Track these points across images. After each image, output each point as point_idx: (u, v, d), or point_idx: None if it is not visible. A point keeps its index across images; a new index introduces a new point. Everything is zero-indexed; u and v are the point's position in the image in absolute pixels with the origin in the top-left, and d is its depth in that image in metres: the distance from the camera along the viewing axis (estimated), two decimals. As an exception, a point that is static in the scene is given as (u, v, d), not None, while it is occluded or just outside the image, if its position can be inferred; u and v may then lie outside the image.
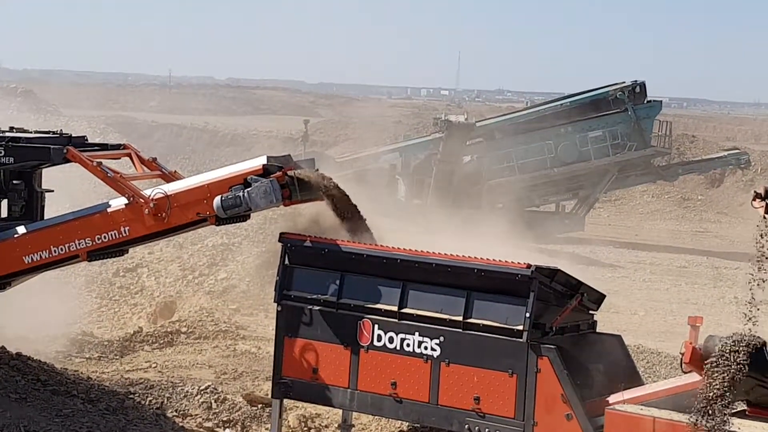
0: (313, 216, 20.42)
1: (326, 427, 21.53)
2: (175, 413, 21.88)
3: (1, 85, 69.05)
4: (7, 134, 20.94)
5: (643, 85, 51.17)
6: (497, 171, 49.42)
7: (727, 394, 12.67)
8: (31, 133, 21.39)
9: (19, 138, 20.81)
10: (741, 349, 12.51)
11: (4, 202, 21.46)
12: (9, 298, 22.57)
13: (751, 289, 21.20)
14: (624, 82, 51.29)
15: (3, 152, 20.40)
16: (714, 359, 12.55)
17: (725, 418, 13.13)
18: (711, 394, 12.76)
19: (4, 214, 21.41)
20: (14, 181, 21.38)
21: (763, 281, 20.60)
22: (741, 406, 13.90)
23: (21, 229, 20.64)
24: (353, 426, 20.33)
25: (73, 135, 21.19)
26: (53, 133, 21.30)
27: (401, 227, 23.18)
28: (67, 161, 20.43)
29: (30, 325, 26.15)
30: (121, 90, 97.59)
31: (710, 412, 12.89)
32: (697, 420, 13.12)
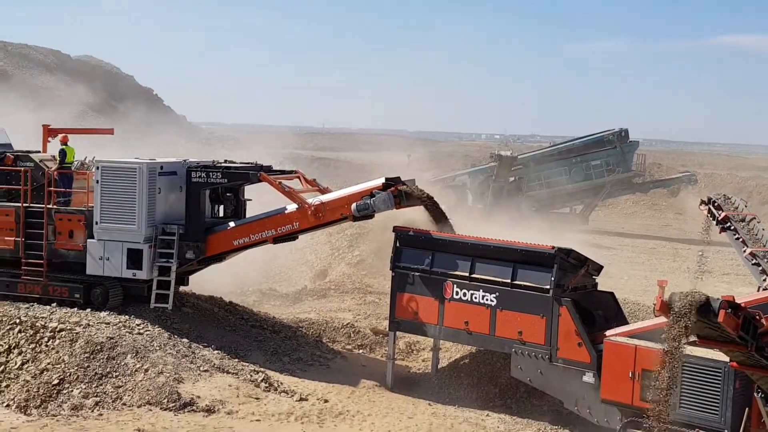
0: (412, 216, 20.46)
1: (423, 349, 21.43)
2: (327, 340, 21.99)
3: (222, 134, 70.19)
4: (223, 164, 21.20)
5: (626, 131, 50.37)
6: (532, 187, 48.86)
7: (684, 331, 12.41)
8: (237, 163, 21.63)
9: (230, 166, 21.07)
10: (692, 302, 12.24)
11: (221, 207, 21.77)
12: (225, 267, 22.90)
13: (698, 263, 20.75)
14: (614, 129, 50.55)
15: (220, 175, 20.67)
16: (676, 308, 12.30)
17: (682, 346, 12.88)
18: (674, 331, 12.50)
19: (221, 215, 21.71)
20: (227, 194, 21.66)
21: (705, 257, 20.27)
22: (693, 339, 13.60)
23: (231, 224, 20.90)
24: (440, 349, 20.25)
25: (263, 165, 21.42)
26: (251, 163, 21.51)
27: (470, 223, 23.05)
28: (260, 181, 20.67)
29: (237, 283, 26.45)
30: (291, 136, 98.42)
31: (673, 342, 12.64)
32: (664, 347, 12.87)
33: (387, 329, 20.21)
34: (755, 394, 14.55)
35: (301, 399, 17.61)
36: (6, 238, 21.02)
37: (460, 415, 17.58)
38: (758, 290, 17.90)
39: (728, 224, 20.15)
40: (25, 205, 21.09)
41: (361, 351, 21.77)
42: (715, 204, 20.68)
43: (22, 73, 51.60)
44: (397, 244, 19.36)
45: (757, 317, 13.04)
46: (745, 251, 19.45)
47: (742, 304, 12.90)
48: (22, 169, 21.47)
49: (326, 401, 17.69)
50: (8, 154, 22.13)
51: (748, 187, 66.14)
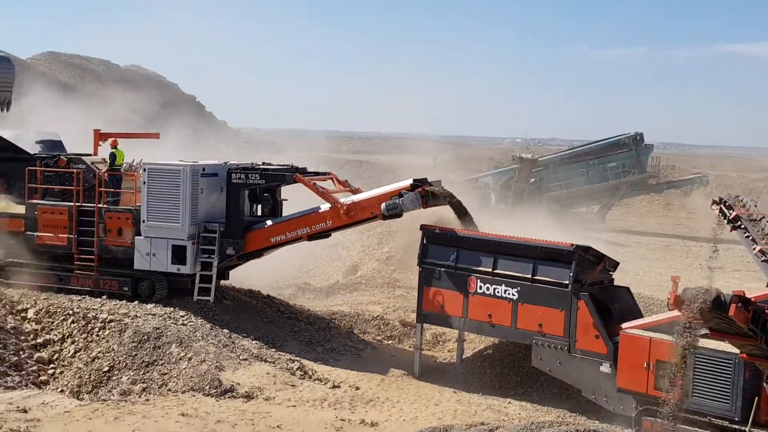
0: (439, 215, 20.41)
1: (448, 340, 21.38)
2: (358, 331, 22.00)
3: (263, 138, 70.38)
4: (260, 166, 21.28)
5: (641, 134, 49.73)
6: (551, 188, 48.41)
7: (696, 322, 12.30)
8: (274, 165, 21.70)
9: (267, 168, 21.15)
10: (704, 297, 12.12)
11: (259, 206, 21.82)
12: (262, 263, 22.95)
13: (710, 258, 20.49)
14: (630, 133, 50.04)
15: (258, 177, 20.76)
16: (688, 302, 12.19)
17: (695, 338, 12.77)
18: (687, 324, 12.38)
19: (259, 213, 21.77)
20: (265, 194, 21.73)
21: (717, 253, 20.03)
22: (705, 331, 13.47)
23: (269, 222, 20.98)
24: (465, 340, 20.21)
25: (299, 167, 21.45)
26: (287, 165, 21.57)
27: (493, 222, 22.94)
28: (295, 182, 20.72)
29: (274, 277, 26.47)
30: (324, 140, 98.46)
31: (686, 334, 12.53)
32: (678, 339, 12.76)
33: (414, 321, 20.20)
34: (764, 384, 14.42)
35: (334, 386, 17.64)
36: (60, 235, 21.27)
37: (484, 402, 17.55)
38: (767, 286, 17.74)
39: (739, 223, 20.01)
40: (77, 204, 21.32)
41: (390, 342, 21.77)
42: (726, 204, 20.54)
43: (75, 82, 52.15)
44: (424, 242, 19.34)
45: (767, 311, 12.93)
46: (754, 248, 19.32)
47: (752, 299, 12.79)
48: (75, 170, 21.71)
49: (357, 388, 17.72)
50: (62, 156, 22.38)
51: (758, 188, 65.34)
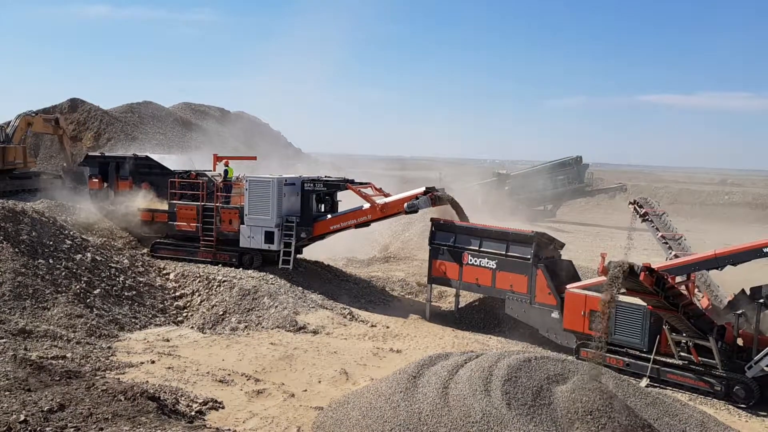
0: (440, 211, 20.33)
1: (449, 296, 21.19)
2: (388, 288, 21.94)
3: (325, 160, 70.10)
4: (323, 178, 21.32)
5: (580, 157, 49.22)
6: (520, 193, 48.14)
7: (616, 284, 12.20)
8: (332, 177, 21.74)
9: (328, 179, 21.16)
10: (622, 267, 12.03)
11: (322, 205, 21.83)
12: (325, 243, 22.92)
13: (627, 241, 20.11)
14: (573, 156, 49.47)
15: (322, 185, 20.80)
16: (611, 270, 12.09)
17: (615, 294, 12.66)
18: (609, 285, 12.30)
19: (323, 210, 21.78)
20: (326, 197, 21.74)
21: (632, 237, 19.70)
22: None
23: (329, 216, 20.98)
24: (460, 295, 20.08)
25: (348, 178, 21.46)
26: (341, 178, 21.58)
27: (480, 216, 22.79)
28: (346, 189, 20.74)
29: (332, 252, 26.43)
30: (365, 161, 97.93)
31: (609, 292, 12.43)
32: (604, 295, 12.67)
33: (426, 282, 20.18)
34: (663, 326, 14.28)
35: (372, 326, 17.66)
36: (191, 224, 21.56)
37: (472, 337, 17.49)
38: (666, 260, 17.56)
39: (647, 217, 19.90)
40: (202, 203, 21.56)
41: (409, 296, 21.75)
42: (639, 204, 20.45)
43: (201, 123, 52.46)
44: (433, 229, 19.31)
45: (666, 277, 12.80)
46: (658, 234, 19.24)
47: (656, 269, 12.68)
48: (201, 181, 21.94)
49: (388, 327, 17.73)
50: (192, 172, 22.66)
51: (660, 194, 64.22)
